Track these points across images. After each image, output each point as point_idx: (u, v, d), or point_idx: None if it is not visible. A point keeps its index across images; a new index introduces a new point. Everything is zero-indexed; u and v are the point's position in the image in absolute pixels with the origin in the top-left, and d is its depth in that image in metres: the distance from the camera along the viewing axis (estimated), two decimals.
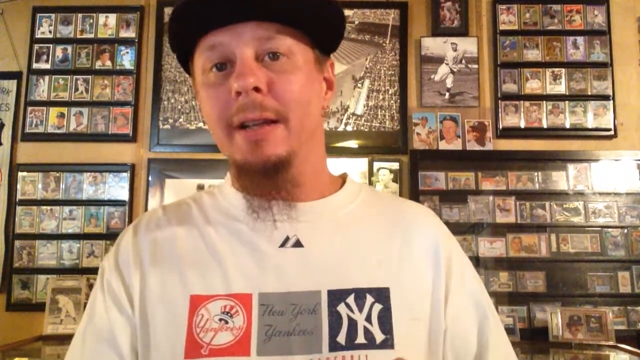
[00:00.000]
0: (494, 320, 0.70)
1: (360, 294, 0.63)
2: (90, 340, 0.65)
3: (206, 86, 0.64)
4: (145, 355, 0.62)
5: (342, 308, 0.62)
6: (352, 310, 0.62)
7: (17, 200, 2.65)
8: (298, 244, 0.65)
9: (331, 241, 0.67)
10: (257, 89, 0.59)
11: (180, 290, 0.63)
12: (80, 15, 2.79)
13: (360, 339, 0.60)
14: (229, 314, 0.61)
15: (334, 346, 0.60)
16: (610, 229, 2.55)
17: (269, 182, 0.63)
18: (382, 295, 0.63)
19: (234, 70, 0.61)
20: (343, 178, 0.75)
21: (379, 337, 0.61)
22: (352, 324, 0.61)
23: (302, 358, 0.59)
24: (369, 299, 0.63)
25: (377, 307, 0.62)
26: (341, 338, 0.60)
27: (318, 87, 0.68)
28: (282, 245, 0.65)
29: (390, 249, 0.68)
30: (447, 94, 2.71)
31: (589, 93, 2.67)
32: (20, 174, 2.66)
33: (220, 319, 0.61)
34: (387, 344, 0.61)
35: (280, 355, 0.59)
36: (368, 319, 0.62)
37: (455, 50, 2.73)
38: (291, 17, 0.62)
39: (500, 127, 2.66)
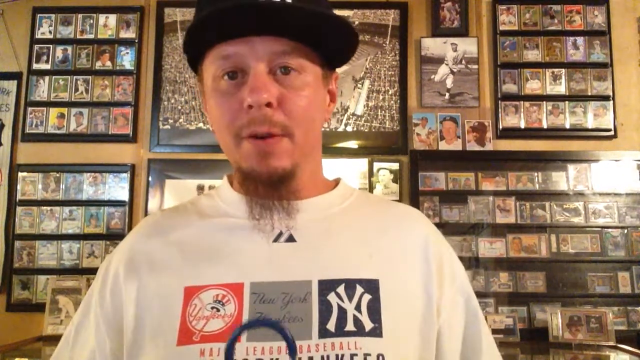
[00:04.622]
0: (482, 319, 0.73)
1: (350, 284, 0.65)
2: (82, 335, 0.70)
3: (217, 93, 0.66)
4: (140, 349, 0.64)
5: (332, 297, 0.63)
6: (342, 300, 0.63)
7: (17, 200, 2.65)
8: (291, 238, 0.68)
9: (323, 235, 0.69)
10: (268, 104, 0.62)
11: (175, 284, 0.66)
12: (80, 15, 2.79)
13: (350, 326, 0.62)
14: (221, 303, 0.63)
15: (324, 333, 0.61)
16: (610, 230, 2.55)
17: (273, 191, 0.66)
18: (371, 286, 0.65)
19: (246, 80, 0.63)
20: (336, 181, 0.78)
21: (368, 325, 0.62)
22: (342, 312, 0.63)
23: None
24: (359, 289, 0.64)
25: (367, 297, 0.64)
26: (331, 325, 0.62)
27: (323, 102, 0.71)
28: (276, 240, 0.68)
29: (381, 244, 0.70)
30: (447, 94, 2.71)
31: (589, 93, 2.67)
32: (20, 174, 2.67)
33: (212, 307, 0.63)
34: (376, 332, 0.62)
35: (270, 342, 0.60)
36: (357, 308, 0.63)
37: (455, 50, 2.73)
38: (305, 35, 0.64)
39: (500, 127, 2.66)
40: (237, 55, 0.63)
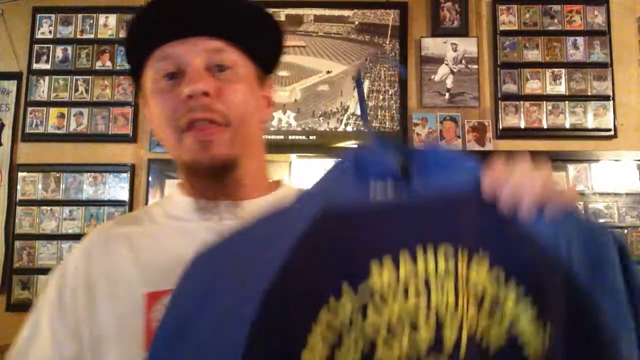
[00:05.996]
0: None
1: None
2: (37, 347, 0.69)
3: (157, 93, 0.69)
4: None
5: None
6: None
7: (17, 200, 2.65)
8: None
9: None
10: (206, 94, 0.65)
11: (133, 292, 0.67)
12: (80, 15, 2.79)
13: None
14: None
15: None
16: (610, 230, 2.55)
17: (216, 182, 0.69)
18: None
19: (184, 79, 0.66)
20: (279, 183, 0.81)
21: None
22: None
23: None
24: None
25: None
26: None
27: (259, 100, 0.75)
28: None
29: None
30: (447, 94, 2.71)
31: (589, 93, 2.67)
32: (20, 174, 2.66)
33: None
34: None
35: None
36: None
37: (455, 50, 2.73)
38: (236, 35, 0.71)
39: (500, 127, 2.66)
40: (174, 55, 0.67)
